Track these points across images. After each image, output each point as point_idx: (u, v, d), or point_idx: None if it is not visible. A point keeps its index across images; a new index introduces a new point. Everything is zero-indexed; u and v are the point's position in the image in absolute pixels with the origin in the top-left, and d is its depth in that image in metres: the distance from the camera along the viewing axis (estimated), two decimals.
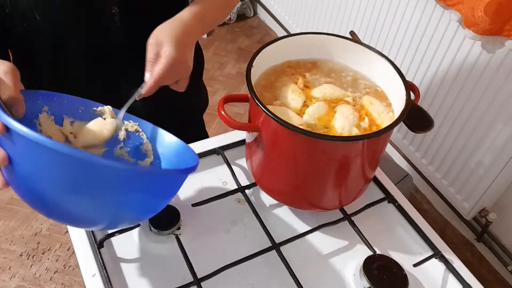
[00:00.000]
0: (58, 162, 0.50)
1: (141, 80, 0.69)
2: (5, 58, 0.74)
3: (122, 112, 0.70)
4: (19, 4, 0.73)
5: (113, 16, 0.77)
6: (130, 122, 0.71)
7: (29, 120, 0.62)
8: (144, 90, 0.68)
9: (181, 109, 0.99)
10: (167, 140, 0.71)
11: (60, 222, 0.61)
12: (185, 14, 0.73)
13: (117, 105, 0.72)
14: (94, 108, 0.70)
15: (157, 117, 0.75)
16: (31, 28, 0.75)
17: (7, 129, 0.50)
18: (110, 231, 0.74)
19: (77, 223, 0.61)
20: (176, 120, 0.76)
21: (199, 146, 0.89)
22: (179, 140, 0.70)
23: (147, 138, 0.72)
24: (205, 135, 1.11)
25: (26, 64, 0.79)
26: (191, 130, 0.77)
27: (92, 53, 0.81)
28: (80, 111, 0.69)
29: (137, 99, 0.68)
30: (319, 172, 0.71)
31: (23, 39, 0.78)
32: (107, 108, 0.70)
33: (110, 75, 0.82)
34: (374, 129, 0.72)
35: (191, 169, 0.60)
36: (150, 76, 0.68)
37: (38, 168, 0.52)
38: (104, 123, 0.69)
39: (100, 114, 0.70)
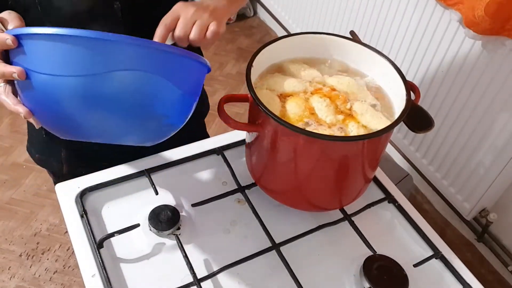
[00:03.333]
0: (77, 48, 0.53)
1: None
2: None
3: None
4: None
5: (115, 11, 0.77)
6: None
7: None
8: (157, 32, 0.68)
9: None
10: None
11: (85, 137, 0.61)
12: None
13: None
14: None
15: None
16: (32, 22, 0.75)
17: (19, 43, 0.54)
18: (109, 232, 0.74)
19: (100, 130, 0.60)
20: (181, 129, 0.76)
21: (199, 146, 0.89)
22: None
23: None
24: (206, 137, 1.11)
25: None
26: (196, 135, 0.78)
27: None
28: None
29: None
30: (319, 172, 0.71)
31: None
32: None
33: None
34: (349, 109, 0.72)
35: (207, 67, 0.62)
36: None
37: (57, 65, 0.53)
38: None
39: None
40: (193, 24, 0.69)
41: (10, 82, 0.60)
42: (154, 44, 0.59)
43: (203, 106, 1.08)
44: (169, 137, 0.66)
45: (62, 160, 0.94)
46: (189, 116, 0.66)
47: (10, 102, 0.58)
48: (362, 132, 0.70)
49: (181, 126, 0.66)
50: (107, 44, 0.53)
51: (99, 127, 0.59)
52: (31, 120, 0.59)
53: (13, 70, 0.55)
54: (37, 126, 0.60)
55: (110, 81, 0.54)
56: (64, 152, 0.93)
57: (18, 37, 0.55)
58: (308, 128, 0.69)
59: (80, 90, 0.54)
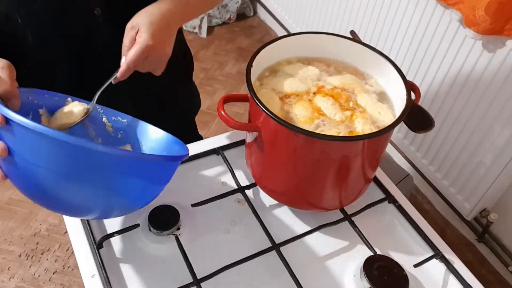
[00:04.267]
0: (56, 149, 0.53)
1: (128, 80, 0.70)
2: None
3: (96, 96, 0.72)
4: (1, 6, 0.72)
5: (96, 17, 0.76)
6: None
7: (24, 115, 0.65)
8: (118, 74, 0.69)
9: (172, 113, 0.98)
10: (154, 134, 0.73)
11: (56, 211, 0.63)
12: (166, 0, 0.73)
13: (106, 105, 0.74)
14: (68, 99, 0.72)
15: (147, 120, 0.76)
16: (14, 31, 0.75)
17: (7, 121, 0.53)
18: (109, 232, 0.74)
19: (73, 211, 0.63)
20: (167, 124, 0.76)
21: (199, 146, 0.89)
22: (166, 133, 0.72)
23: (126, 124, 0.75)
24: (198, 138, 1.10)
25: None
26: (183, 133, 0.77)
27: (76, 54, 0.81)
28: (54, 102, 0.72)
29: (113, 83, 0.70)
30: (319, 172, 0.70)
31: (7, 43, 0.77)
32: (76, 101, 0.72)
33: (96, 76, 0.81)
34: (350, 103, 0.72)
35: (179, 158, 0.62)
36: (125, 61, 0.69)
37: (36, 156, 0.54)
38: (74, 105, 0.71)
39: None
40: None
41: None
42: (131, 154, 0.62)
43: (191, 102, 1.07)
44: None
45: None
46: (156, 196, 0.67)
47: None
48: (368, 127, 0.69)
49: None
50: (84, 151, 0.54)
51: (70, 201, 0.60)
52: None
53: None
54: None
55: (80, 183, 0.56)
56: None
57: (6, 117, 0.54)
58: (320, 128, 0.69)
59: (52, 181, 0.56)
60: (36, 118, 0.68)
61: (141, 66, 0.71)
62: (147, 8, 0.71)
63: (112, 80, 0.70)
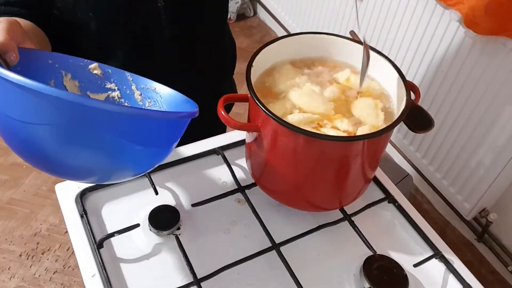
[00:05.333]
0: (38, 104, 0.49)
1: (186, 74, 0.71)
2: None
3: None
4: None
5: (159, 10, 0.79)
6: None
7: (44, 80, 0.64)
8: None
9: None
10: (164, 92, 0.70)
11: (53, 174, 0.58)
12: None
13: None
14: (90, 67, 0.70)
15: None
16: (78, 20, 0.77)
17: None
18: (109, 232, 0.74)
19: (72, 173, 0.58)
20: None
21: (199, 146, 0.89)
22: (178, 92, 0.69)
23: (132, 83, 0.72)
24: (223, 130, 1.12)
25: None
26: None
27: (136, 47, 0.84)
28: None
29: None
30: (319, 172, 0.71)
31: (69, 34, 0.80)
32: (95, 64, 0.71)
33: (154, 69, 0.82)
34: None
35: (190, 114, 0.58)
36: None
37: (24, 114, 0.50)
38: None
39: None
40: None
41: None
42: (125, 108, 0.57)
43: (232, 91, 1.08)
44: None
45: None
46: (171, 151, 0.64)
47: None
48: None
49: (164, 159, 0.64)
50: (78, 107, 0.49)
51: (67, 161, 0.56)
52: None
53: None
54: None
55: (76, 138, 0.52)
56: None
57: None
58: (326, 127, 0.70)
59: (39, 139, 0.52)
60: (60, 84, 0.66)
61: None
62: None
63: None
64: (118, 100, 0.72)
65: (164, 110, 0.70)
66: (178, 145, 0.88)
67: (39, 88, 0.47)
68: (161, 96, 0.71)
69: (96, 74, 0.70)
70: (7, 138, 0.55)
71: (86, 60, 0.69)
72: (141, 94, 0.72)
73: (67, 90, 0.67)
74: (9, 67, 0.56)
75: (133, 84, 0.72)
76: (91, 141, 0.52)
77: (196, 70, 0.93)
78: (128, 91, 0.72)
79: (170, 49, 0.86)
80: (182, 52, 0.87)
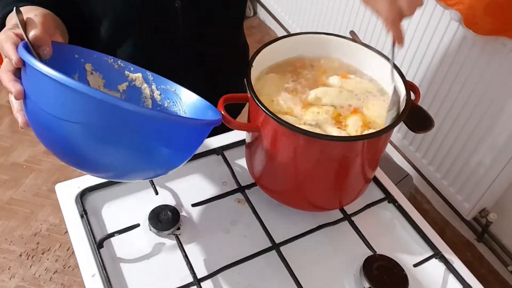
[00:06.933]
0: (72, 101, 0.51)
1: (198, 74, 0.72)
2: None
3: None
4: None
5: (176, 10, 0.79)
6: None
7: (69, 73, 0.65)
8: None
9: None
10: (188, 97, 0.72)
11: (73, 166, 0.60)
12: None
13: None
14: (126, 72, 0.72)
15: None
16: (93, 16, 0.78)
17: (24, 64, 0.53)
18: (109, 232, 0.74)
19: (91, 166, 0.60)
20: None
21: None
22: (200, 98, 0.71)
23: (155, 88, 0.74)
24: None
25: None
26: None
27: (152, 46, 0.84)
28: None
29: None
30: (319, 172, 0.71)
31: (85, 30, 0.80)
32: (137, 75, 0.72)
33: (169, 68, 0.83)
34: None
35: (214, 122, 0.62)
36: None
37: (51, 106, 0.52)
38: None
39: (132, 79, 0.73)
40: None
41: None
42: (160, 115, 0.58)
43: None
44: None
45: None
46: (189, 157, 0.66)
47: (6, 78, 0.56)
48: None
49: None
50: (105, 106, 0.51)
51: (88, 155, 0.57)
52: (17, 115, 0.58)
53: (11, 89, 0.54)
54: (21, 124, 0.58)
55: (108, 137, 0.54)
56: None
57: (24, 61, 0.53)
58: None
59: (71, 135, 0.54)
60: (83, 78, 0.68)
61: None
62: None
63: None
64: (140, 87, 0.73)
65: (185, 113, 0.72)
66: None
67: (84, 90, 0.49)
68: (181, 98, 0.72)
69: (118, 68, 0.71)
70: (38, 131, 0.57)
71: (110, 57, 0.70)
72: (160, 94, 0.73)
73: (89, 84, 0.69)
74: (42, 60, 0.56)
75: (153, 83, 0.73)
76: (123, 141, 0.54)
77: (206, 71, 0.92)
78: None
79: (182, 48, 0.86)
80: (193, 52, 0.87)
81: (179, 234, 0.75)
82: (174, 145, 0.59)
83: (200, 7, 0.81)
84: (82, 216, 0.76)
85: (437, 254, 0.76)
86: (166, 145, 0.58)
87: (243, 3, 0.91)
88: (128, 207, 0.79)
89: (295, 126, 0.64)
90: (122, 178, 0.67)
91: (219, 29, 0.88)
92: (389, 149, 1.86)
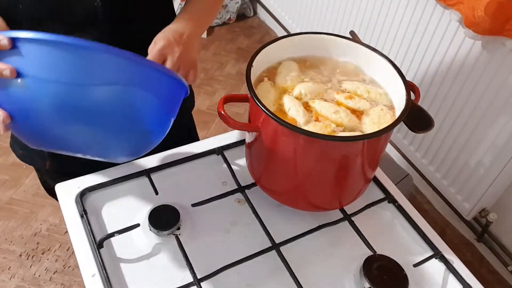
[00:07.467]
0: (61, 54, 0.55)
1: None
2: None
3: None
4: None
5: (95, 8, 0.76)
6: None
7: None
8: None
9: None
10: None
11: (61, 150, 0.62)
12: (180, 22, 0.75)
13: None
14: None
15: None
16: (12, 18, 0.73)
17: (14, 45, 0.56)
18: (109, 232, 0.74)
19: (73, 144, 0.62)
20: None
21: (199, 146, 0.89)
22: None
23: None
24: (194, 139, 1.10)
25: None
26: (180, 130, 0.79)
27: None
28: None
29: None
30: (319, 172, 0.71)
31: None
32: None
33: None
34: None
35: (185, 88, 0.65)
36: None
37: (40, 68, 0.55)
38: None
39: None
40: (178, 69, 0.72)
41: None
42: (136, 57, 0.60)
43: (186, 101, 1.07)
44: (144, 153, 0.69)
45: (46, 156, 0.94)
46: (165, 134, 0.67)
47: None
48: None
49: (158, 143, 0.67)
50: (93, 53, 0.56)
51: (76, 139, 0.60)
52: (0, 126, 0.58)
53: (4, 67, 0.55)
54: (2, 131, 0.59)
55: (92, 93, 0.57)
56: None
57: (13, 40, 0.56)
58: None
59: (61, 97, 0.56)
60: None
61: (175, 64, 0.72)
62: (167, 29, 0.73)
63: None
64: None
65: None
66: (175, 146, 0.88)
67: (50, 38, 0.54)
68: None
69: None
70: (14, 106, 0.58)
71: None
72: None
73: None
74: None
75: None
76: (99, 95, 0.57)
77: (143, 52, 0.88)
78: None
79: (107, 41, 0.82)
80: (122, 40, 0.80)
81: (179, 234, 0.75)
82: (151, 90, 0.61)
83: (121, 5, 0.78)
84: (82, 216, 0.76)
85: (437, 254, 0.76)
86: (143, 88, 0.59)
87: (167, 7, 0.87)
88: (128, 207, 0.79)
89: (295, 126, 0.64)
90: (103, 153, 0.67)
91: (143, 28, 0.82)
92: (389, 149, 1.86)
